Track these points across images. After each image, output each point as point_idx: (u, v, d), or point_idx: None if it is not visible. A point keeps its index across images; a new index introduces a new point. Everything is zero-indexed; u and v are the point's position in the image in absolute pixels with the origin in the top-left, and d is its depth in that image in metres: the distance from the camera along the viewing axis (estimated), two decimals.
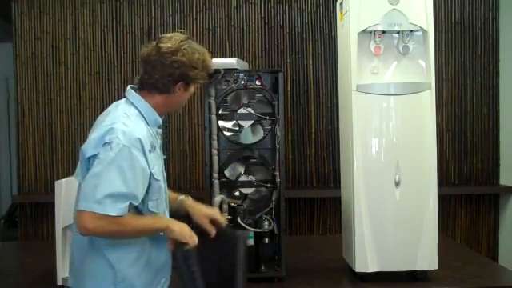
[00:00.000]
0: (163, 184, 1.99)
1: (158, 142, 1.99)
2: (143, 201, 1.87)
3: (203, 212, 2.12)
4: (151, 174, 1.87)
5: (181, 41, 1.96)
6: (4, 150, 5.98)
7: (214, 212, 2.15)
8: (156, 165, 1.92)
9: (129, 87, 1.98)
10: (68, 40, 4.19)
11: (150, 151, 1.88)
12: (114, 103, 1.99)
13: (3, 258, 3.41)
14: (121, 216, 1.78)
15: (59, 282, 2.62)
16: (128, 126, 1.86)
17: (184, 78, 1.95)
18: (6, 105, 6.01)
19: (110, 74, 4.19)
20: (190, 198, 2.18)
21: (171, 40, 1.96)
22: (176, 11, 4.22)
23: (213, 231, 2.07)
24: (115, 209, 1.77)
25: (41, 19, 4.18)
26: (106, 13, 4.19)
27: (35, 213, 4.18)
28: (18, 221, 4.31)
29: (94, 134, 1.85)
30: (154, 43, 1.96)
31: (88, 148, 1.84)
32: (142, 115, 1.94)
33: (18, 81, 4.19)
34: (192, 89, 2.01)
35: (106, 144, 1.80)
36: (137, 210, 1.88)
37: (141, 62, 2.00)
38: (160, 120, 1.98)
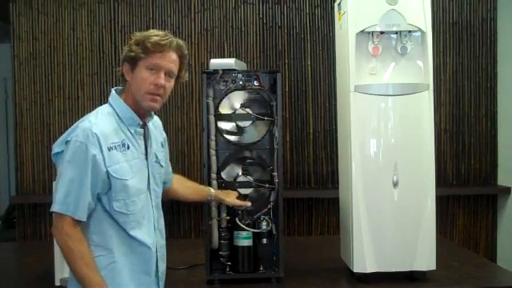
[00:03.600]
0: (137, 184, 1.93)
1: (138, 141, 1.97)
2: (108, 200, 1.87)
3: (230, 195, 2.57)
4: (108, 172, 1.85)
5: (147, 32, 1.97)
6: (2, 151, 5.98)
7: (234, 192, 2.62)
8: (120, 163, 1.88)
9: (112, 89, 2.02)
10: (66, 40, 4.18)
11: (110, 148, 1.86)
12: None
13: (1, 259, 3.40)
14: (78, 224, 1.82)
15: (57, 283, 2.62)
16: (91, 122, 1.88)
17: (126, 57, 1.96)
18: (4, 105, 6.01)
19: (108, 75, 4.19)
20: (212, 189, 2.57)
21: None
22: (174, 12, 4.22)
23: (247, 203, 2.59)
24: (77, 210, 1.81)
25: (39, 20, 4.18)
26: (104, 13, 4.19)
27: (33, 213, 4.17)
28: (16, 221, 4.30)
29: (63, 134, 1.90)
30: None
31: (54, 146, 1.89)
32: (117, 113, 1.95)
33: (15, 81, 4.19)
34: (143, 64, 1.92)
35: (67, 142, 1.85)
36: (104, 210, 1.88)
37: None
38: (137, 119, 1.96)
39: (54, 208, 1.82)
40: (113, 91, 2.02)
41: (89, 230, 1.88)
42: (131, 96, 1.97)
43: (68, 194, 1.81)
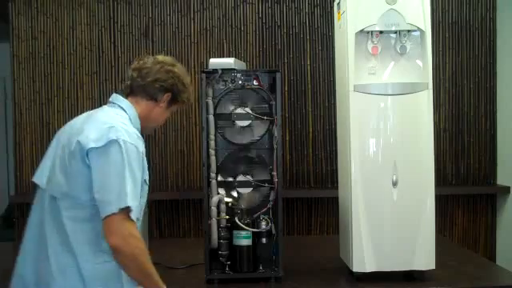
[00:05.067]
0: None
1: None
2: None
3: None
4: (142, 177, 1.86)
5: (175, 61, 2.08)
6: (1, 150, 5.98)
7: None
8: (146, 170, 1.90)
9: (115, 94, 2.01)
10: (65, 40, 4.18)
11: (143, 154, 1.87)
12: (96, 109, 1.99)
13: (1, 259, 3.40)
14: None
15: None
16: (127, 125, 1.87)
17: (174, 89, 2.02)
18: (4, 105, 6.01)
19: (107, 74, 4.19)
20: None
21: (167, 57, 2.07)
22: (173, 11, 4.22)
23: None
24: (136, 210, 1.77)
25: (38, 19, 4.18)
26: (103, 13, 4.19)
27: None
28: (16, 221, 4.30)
29: (92, 129, 1.81)
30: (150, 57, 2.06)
31: (88, 141, 1.79)
32: (131, 120, 1.95)
33: (15, 81, 4.18)
34: (173, 108, 2.08)
35: (113, 142, 1.77)
36: None
37: (134, 69, 2.02)
38: (138, 132, 1.96)
39: (115, 207, 1.71)
40: (122, 97, 2.00)
41: (99, 235, 1.79)
42: (145, 113, 2.01)
43: (127, 193, 1.74)
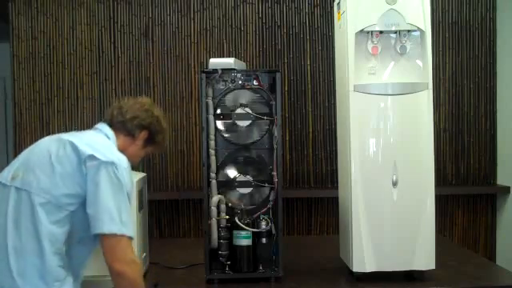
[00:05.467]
0: None
1: None
2: None
3: None
4: None
5: (154, 104, 2.21)
6: (1, 150, 5.97)
7: None
8: None
9: (103, 123, 2.08)
10: (65, 40, 4.18)
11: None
12: (86, 132, 2.06)
13: None
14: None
15: None
16: (118, 152, 1.97)
17: (151, 128, 2.12)
18: (4, 105, 6.01)
19: (107, 74, 4.19)
20: None
21: (146, 99, 2.22)
22: (173, 11, 4.22)
23: None
24: (132, 231, 1.86)
25: (38, 19, 4.18)
26: (103, 13, 4.19)
27: None
28: None
29: (89, 141, 1.91)
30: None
31: (86, 148, 1.87)
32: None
33: (15, 81, 4.18)
34: (149, 149, 2.16)
35: (111, 164, 1.84)
36: (92, 238, 1.88)
37: (115, 108, 2.12)
38: None
39: (115, 230, 1.78)
40: (108, 127, 2.06)
41: (64, 252, 1.86)
42: (121, 149, 2.06)
43: (128, 220, 1.83)
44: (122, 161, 1.89)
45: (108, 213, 1.79)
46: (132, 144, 2.08)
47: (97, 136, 2.02)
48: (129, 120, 2.07)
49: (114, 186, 1.82)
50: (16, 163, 1.96)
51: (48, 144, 1.96)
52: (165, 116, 2.23)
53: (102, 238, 1.81)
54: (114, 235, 1.79)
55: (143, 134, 2.11)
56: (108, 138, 2.03)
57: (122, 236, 1.79)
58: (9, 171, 1.94)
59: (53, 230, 1.82)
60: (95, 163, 1.83)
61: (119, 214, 1.80)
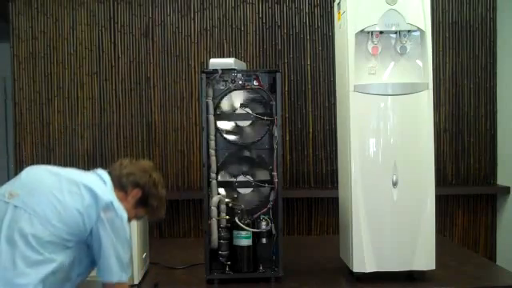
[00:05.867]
0: None
1: None
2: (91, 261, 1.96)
3: None
4: None
5: (156, 169, 2.17)
6: (1, 150, 5.97)
7: None
8: None
9: (103, 170, 2.07)
10: (65, 40, 4.18)
11: None
12: (90, 175, 2.03)
13: None
14: None
15: None
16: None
17: (145, 188, 2.07)
18: (4, 105, 6.01)
19: (107, 74, 4.18)
20: None
21: (149, 162, 2.20)
22: (174, 11, 4.21)
23: None
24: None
25: (38, 19, 4.18)
26: (103, 13, 4.19)
27: None
28: None
29: (102, 190, 1.92)
30: None
31: (104, 196, 1.91)
32: None
33: (15, 81, 4.18)
34: (140, 211, 2.12)
35: (117, 215, 1.91)
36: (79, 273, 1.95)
37: (118, 163, 2.13)
38: None
39: (115, 279, 1.90)
40: (111, 184, 2.04)
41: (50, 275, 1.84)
42: None
43: (126, 260, 1.93)
44: (123, 210, 1.95)
45: (110, 264, 1.89)
46: (124, 200, 2.03)
47: (99, 181, 2.01)
48: (125, 175, 2.07)
49: (119, 236, 1.90)
50: (15, 183, 1.95)
51: (55, 178, 1.95)
52: (164, 184, 2.18)
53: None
54: (113, 283, 1.91)
55: (135, 192, 2.06)
56: (104, 183, 2.01)
57: (120, 283, 1.92)
58: (6, 189, 1.93)
59: (40, 260, 1.82)
60: (109, 212, 1.90)
61: (121, 263, 1.90)
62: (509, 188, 4.17)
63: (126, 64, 4.19)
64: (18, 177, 1.98)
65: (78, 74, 4.18)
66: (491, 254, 4.28)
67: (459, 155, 4.29)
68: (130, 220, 2.07)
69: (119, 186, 2.03)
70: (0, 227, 1.82)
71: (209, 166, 2.73)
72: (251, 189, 2.77)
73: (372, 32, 2.72)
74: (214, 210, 2.70)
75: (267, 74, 2.81)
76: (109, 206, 1.89)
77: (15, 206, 1.85)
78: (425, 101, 2.69)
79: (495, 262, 4.14)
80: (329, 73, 4.20)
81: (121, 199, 1.99)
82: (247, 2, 4.22)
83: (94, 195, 1.88)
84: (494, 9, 4.28)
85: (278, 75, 2.72)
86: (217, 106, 2.75)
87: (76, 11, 4.18)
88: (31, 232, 1.80)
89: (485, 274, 2.88)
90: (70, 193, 1.88)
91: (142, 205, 2.09)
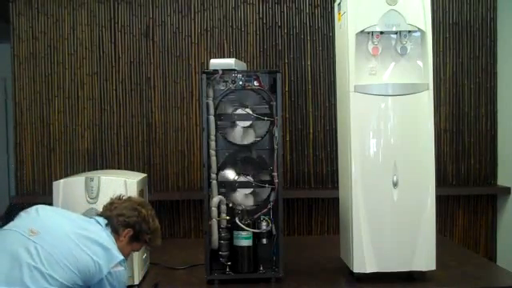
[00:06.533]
0: None
1: None
2: None
3: None
4: None
5: (152, 207, 2.23)
6: (1, 151, 5.97)
7: None
8: None
9: (103, 218, 2.15)
10: (66, 40, 4.18)
11: None
12: (92, 221, 2.13)
13: None
14: None
15: None
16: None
17: (136, 227, 2.15)
18: (4, 105, 6.01)
19: (107, 74, 4.18)
20: None
21: (139, 198, 2.29)
22: (174, 11, 4.21)
23: None
24: None
25: (39, 19, 4.18)
26: (103, 13, 4.19)
27: None
28: None
29: (97, 243, 2.00)
30: None
31: (107, 263, 1.99)
32: None
33: (15, 81, 4.18)
34: (136, 246, 2.20)
35: (124, 269, 2.03)
36: None
37: (109, 203, 2.21)
38: None
39: None
40: (110, 234, 2.12)
41: None
42: None
43: None
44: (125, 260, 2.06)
45: None
46: (117, 240, 2.13)
47: (107, 237, 2.08)
48: (114, 216, 2.13)
49: (120, 283, 2.02)
50: (35, 221, 2.04)
51: (71, 226, 2.04)
52: (155, 216, 2.23)
53: None
54: None
55: (127, 232, 2.15)
56: (108, 236, 2.11)
57: None
58: (23, 225, 2.01)
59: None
60: (120, 266, 2.02)
61: None
62: (509, 188, 4.17)
63: (127, 64, 4.19)
64: (30, 213, 2.09)
65: (79, 74, 4.18)
66: (491, 255, 4.28)
67: (459, 155, 4.29)
68: (126, 258, 2.14)
69: (111, 228, 2.12)
70: (20, 261, 1.88)
71: (209, 167, 2.73)
72: (251, 189, 2.76)
73: (372, 32, 2.72)
74: (214, 210, 2.71)
75: (267, 75, 2.81)
76: (121, 263, 2.01)
77: (35, 243, 1.92)
78: (425, 101, 2.69)
79: (495, 262, 4.13)
80: (329, 73, 4.20)
81: (115, 240, 2.09)
82: (247, 3, 4.22)
83: (107, 250, 1.99)
84: (495, 9, 4.28)
85: (279, 75, 2.72)
86: (217, 107, 2.75)
87: (76, 11, 4.18)
88: (48, 272, 1.88)
89: (485, 275, 2.88)
90: (85, 246, 1.97)
91: (135, 240, 2.18)
